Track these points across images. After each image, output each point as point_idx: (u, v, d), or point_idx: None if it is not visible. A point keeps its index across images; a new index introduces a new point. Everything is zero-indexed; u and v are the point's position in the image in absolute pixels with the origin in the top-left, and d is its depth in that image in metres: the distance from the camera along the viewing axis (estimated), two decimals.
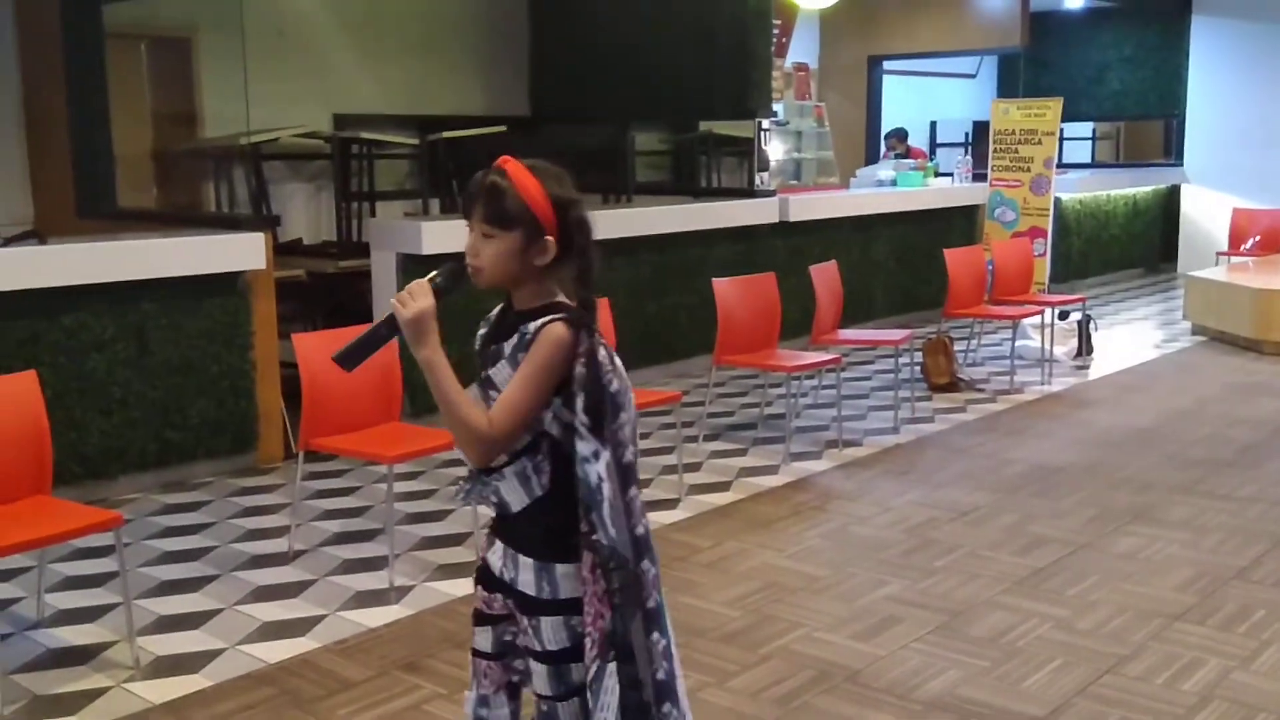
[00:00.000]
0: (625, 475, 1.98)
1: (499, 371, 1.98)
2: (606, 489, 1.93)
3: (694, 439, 5.93)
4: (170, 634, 3.70)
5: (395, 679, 3.39)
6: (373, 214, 7.37)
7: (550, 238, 1.95)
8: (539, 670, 2.04)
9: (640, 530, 2.00)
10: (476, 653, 2.15)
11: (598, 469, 1.92)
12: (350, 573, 4.22)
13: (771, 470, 5.47)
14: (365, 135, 7.25)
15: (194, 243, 5.23)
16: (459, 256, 2.01)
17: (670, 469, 5.43)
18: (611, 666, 1.97)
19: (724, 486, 5.23)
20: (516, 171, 1.95)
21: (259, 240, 5.34)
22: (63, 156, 6.11)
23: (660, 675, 2.02)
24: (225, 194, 6.99)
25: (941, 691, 3.28)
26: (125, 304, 4.97)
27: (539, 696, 2.08)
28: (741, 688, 3.32)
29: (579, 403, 1.93)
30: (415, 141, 7.44)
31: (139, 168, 6.84)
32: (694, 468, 5.49)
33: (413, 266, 5.95)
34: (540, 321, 1.95)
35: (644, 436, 6.02)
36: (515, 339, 1.98)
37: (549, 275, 1.99)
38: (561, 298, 2.00)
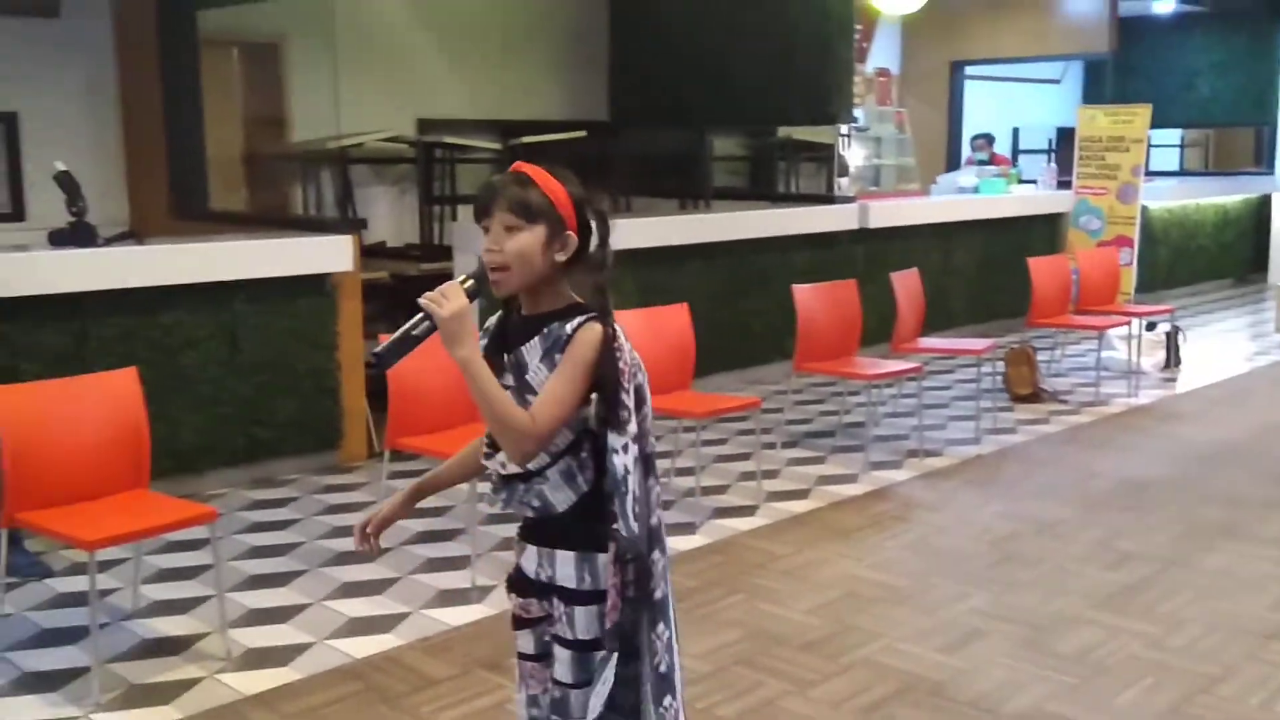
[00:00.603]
0: (647, 466, 2.03)
1: (535, 375, 2.00)
2: (632, 480, 1.97)
3: (771, 446, 5.91)
4: (260, 627, 3.79)
5: (478, 677, 3.43)
6: (454, 218, 7.47)
7: (571, 232, 1.99)
8: (563, 656, 2.07)
9: (655, 521, 2.04)
10: (521, 656, 2.18)
11: (626, 460, 1.96)
12: (433, 571, 4.28)
13: (850, 479, 5.43)
14: (449, 140, 7.35)
15: (285, 244, 5.35)
16: None
17: (748, 475, 5.42)
18: (613, 659, 2.00)
19: (802, 494, 5.21)
20: (536, 171, 2.00)
21: (347, 243, 5.44)
22: (158, 160, 6.29)
23: (662, 668, 2.05)
24: (312, 197, 7.13)
25: (1028, 707, 3.23)
26: (218, 303, 5.09)
27: (555, 681, 2.10)
28: (822, 697, 3.31)
29: (614, 397, 1.97)
30: (497, 146, 7.53)
31: (230, 171, 7.00)
32: (772, 474, 5.47)
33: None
34: (577, 321, 1.98)
35: (720, 442, 6.02)
36: (540, 341, 1.99)
37: (565, 275, 2.01)
38: (575, 298, 2.02)
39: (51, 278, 4.60)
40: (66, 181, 4.55)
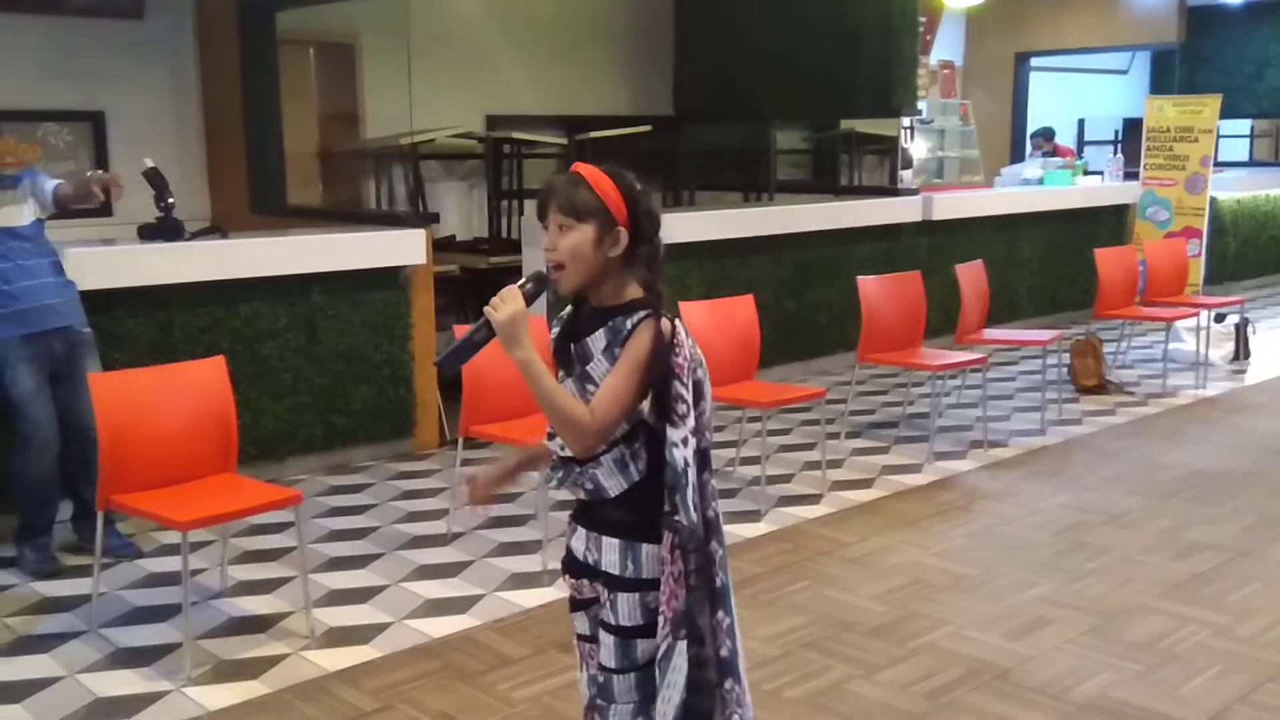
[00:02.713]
0: (703, 460, 2.09)
1: (596, 367, 2.06)
2: (691, 473, 2.03)
3: (835, 436, 5.95)
4: (341, 607, 3.92)
5: (552, 658, 3.53)
6: (520, 212, 7.59)
7: (622, 228, 2.05)
8: (607, 642, 2.13)
9: (711, 513, 2.10)
10: (579, 636, 2.25)
11: (685, 454, 2.02)
12: (505, 555, 4.39)
13: (915, 469, 5.47)
14: (517, 135, 7.47)
15: (361, 238, 5.50)
16: None
17: (812, 465, 5.47)
18: (682, 645, 2.06)
19: (867, 483, 5.26)
20: (588, 171, 2.08)
21: (420, 236, 5.58)
22: (238, 156, 6.48)
23: (724, 653, 2.11)
24: (385, 192, 7.29)
25: (1095, 694, 3.26)
26: (297, 295, 5.25)
27: (600, 667, 2.17)
28: (890, 681, 3.36)
29: (674, 390, 2.03)
30: (563, 141, 7.63)
31: (306, 167, 7.18)
32: (836, 464, 5.52)
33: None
34: (637, 316, 2.04)
35: (784, 432, 6.07)
36: (604, 334, 2.06)
37: (623, 269, 2.07)
38: (638, 293, 2.09)
39: (141, 271, 4.78)
40: (155, 177, 4.71)
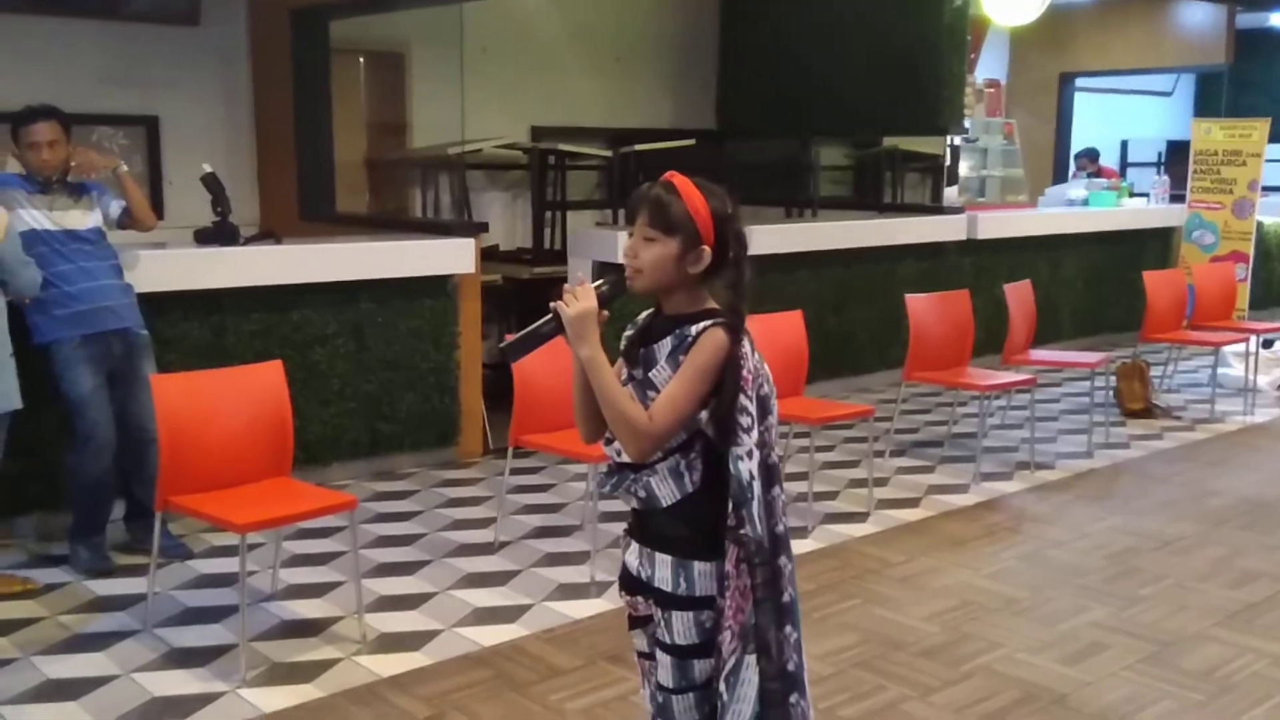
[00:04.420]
0: (770, 474, 2.07)
1: (659, 373, 2.05)
2: (757, 486, 2.01)
3: (880, 454, 5.92)
4: (391, 613, 3.93)
5: (602, 669, 3.53)
6: (564, 223, 7.61)
7: (707, 247, 2.03)
8: (664, 661, 2.12)
9: (780, 529, 2.09)
10: (639, 654, 2.23)
11: (750, 467, 2.01)
12: (553, 565, 4.39)
13: (961, 489, 5.43)
14: (562, 147, 7.49)
15: (411, 246, 5.52)
16: None
17: (857, 483, 5.45)
18: (750, 659, 2.05)
19: (913, 503, 5.22)
20: (683, 184, 2.05)
21: (470, 246, 5.60)
22: (288, 163, 6.53)
23: (790, 667, 2.09)
24: (431, 200, 7.33)
25: None
26: (346, 302, 5.28)
27: (657, 687, 2.15)
28: (944, 703, 3.33)
29: (736, 403, 2.02)
30: (607, 153, 7.65)
31: (354, 174, 7.23)
32: (881, 483, 5.49)
33: (607, 273, 6.10)
34: (702, 325, 2.03)
35: (829, 449, 6.05)
36: (671, 341, 2.05)
37: (702, 283, 2.06)
38: (712, 304, 2.08)
39: (198, 274, 4.82)
40: (212, 183, 4.75)
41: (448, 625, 3.84)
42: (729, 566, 2.04)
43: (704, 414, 2.03)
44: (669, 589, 2.09)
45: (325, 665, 3.54)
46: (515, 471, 5.51)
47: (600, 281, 2.07)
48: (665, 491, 2.07)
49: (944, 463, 5.87)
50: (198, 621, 3.84)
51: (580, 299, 2.01)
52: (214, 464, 3.73)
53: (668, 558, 2.09)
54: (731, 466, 2.02)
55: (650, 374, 2.06)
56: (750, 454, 2.01)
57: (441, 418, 5.68)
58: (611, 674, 3.49)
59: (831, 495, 5.29)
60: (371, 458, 5.49)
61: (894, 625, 3.86)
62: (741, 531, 2.02)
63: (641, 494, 2.09)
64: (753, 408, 2.03)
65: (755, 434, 2.02)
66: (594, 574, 4.26)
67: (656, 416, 2.00)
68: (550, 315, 2.03)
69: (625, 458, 2.08)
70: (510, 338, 2.06)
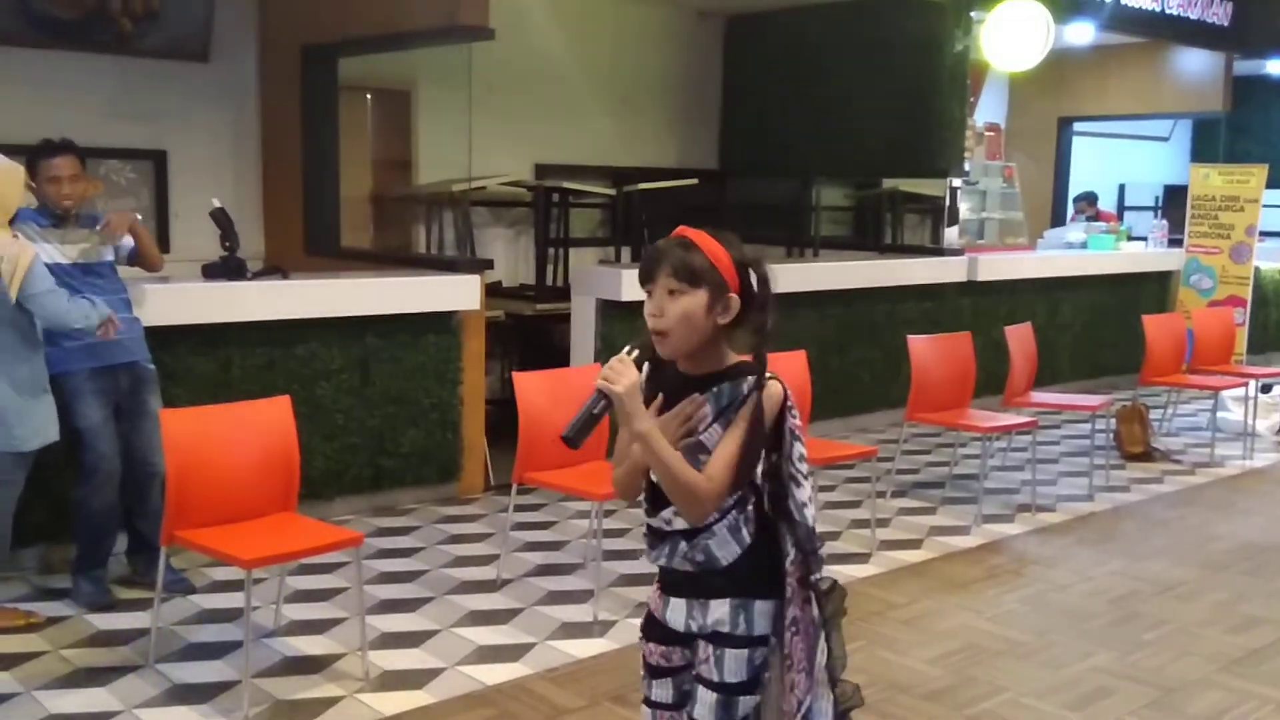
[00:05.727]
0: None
1: (710, 436, 2.04)
2: (816, 528, 2.07)
3: (881, 494, 5.93)
4: (393, 650, 3.92)
5: (606, 710, 3.51)
6: (566, 259, 7.65)
7: (734, 295, 2.04)
8: (706, 699, 2.10)
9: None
10: (655, 704, 2.21)
11: (812, 512, 2.05)
12: (555, 604, 4.38)
13: (963, 530, 5.43)
14: (566, 185, 7.54)
15: (416, 282, 5.55)
16: None
17: (859, 523, 5.45)
18: (824, 689, 2.08)
19: (915, 544, 5.22)
20: (698, 235, 2.05)
21: (475, 282, 5.63)
22: (294, 197, 6.58)
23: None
24: (435, 237, 7.37)
25: None
26: (352, 337, 5.30)
27: None
28: None
29: (796, 451, 2.05)
30: (611, 192, 7.70)
31: (359, 210, 7.27)
32: (883, 524, 5.49)
33: (611, 312, 6.14)
34: (752, 381, 2.03)
35: (830, 489, 6.05)
36: (713, 400, 2.04)
37: (726, 336, 2.06)
38: (737, 357, 2.08)
39: (205, 308, 4.84)
40: (221, 218, 4.79)
41: (451, 663, 3.83)
42: (795, 611, 2.05)
43: (759, 466, 2.04)
44: (727, 629, 2.09)
45: (328, 703, 3.52)
46: (518, 508, 5.52)
47: (629, 348, 2.07)
48: (725, 552, 2.07)
49: (945, 504, 5.88)
50: (200, 657, 3.82)
51: (623, 374, 2.00)
52: (220, 499, 3.73)
53: (726, 600, 2.09)
54: (796, 514, 2.04)
55: (700, 438, 2.04)
56: (811, 499, 2.05)
57: (444, 453, 5.68)
58: (615, 714, 3.48)
59: (834, 535, 5.29)
60: (374, 493, 5.49)
61: (898, 668, 3.86)
62: (815, 578, 2.05)
63: (700, 558, 2.08)
64: (804, 449, 2.07)
65: (812, 479, 2.05)
66: (597, 613, 4.25)
67: (715, 477, 2.01)
68: (597, 395, 2.02)
69: (676, 525, 2.08)
70: (565, 428, 2.04)
